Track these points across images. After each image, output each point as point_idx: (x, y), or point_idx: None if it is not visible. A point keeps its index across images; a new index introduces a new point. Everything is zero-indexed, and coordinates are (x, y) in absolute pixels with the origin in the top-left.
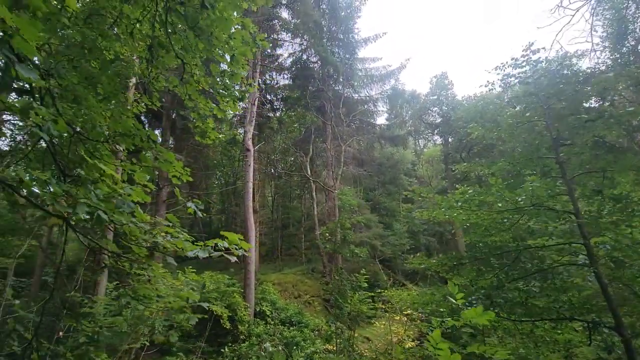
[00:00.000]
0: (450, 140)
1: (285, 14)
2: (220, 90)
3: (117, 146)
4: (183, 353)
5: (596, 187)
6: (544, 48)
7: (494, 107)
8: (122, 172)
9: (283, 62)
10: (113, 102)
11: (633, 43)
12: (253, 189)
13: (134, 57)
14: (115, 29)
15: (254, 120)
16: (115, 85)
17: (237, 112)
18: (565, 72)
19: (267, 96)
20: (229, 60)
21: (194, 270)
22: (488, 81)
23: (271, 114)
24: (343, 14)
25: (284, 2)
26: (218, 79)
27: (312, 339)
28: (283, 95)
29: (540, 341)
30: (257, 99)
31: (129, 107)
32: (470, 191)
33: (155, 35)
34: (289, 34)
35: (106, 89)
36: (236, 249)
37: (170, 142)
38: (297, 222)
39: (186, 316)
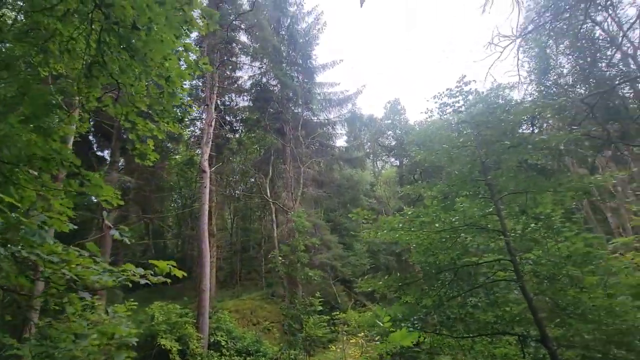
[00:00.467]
0: (404, 162)
1: (244, 37)
2: (159, 111)
3: (32, 171)
4: None
5: (522, 207)
6: (474, 80)
7: (442, 132)
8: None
9: (243, 84)
10: (32, 124)
11: (555, 77)
12: (210, 211)
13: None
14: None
15: (210, 142)
16: (39, 105)
17: (194, 133)
18: (499, 101)
19: (227, 117)
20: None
21: (149, 299)
22: (427, 108)
23: (230, 135)
24: (301, 40)
25: (242, 27)
26: (157, 100)
27: None
28: (243, 116)
29: (480, 356)
30: (213, 119)
31: (72, 127)
32: (409, 213)
33: (91, 54)
34: (249, 57)
35: (29, 109)
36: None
37: (121, 162)
38: (257, 244)
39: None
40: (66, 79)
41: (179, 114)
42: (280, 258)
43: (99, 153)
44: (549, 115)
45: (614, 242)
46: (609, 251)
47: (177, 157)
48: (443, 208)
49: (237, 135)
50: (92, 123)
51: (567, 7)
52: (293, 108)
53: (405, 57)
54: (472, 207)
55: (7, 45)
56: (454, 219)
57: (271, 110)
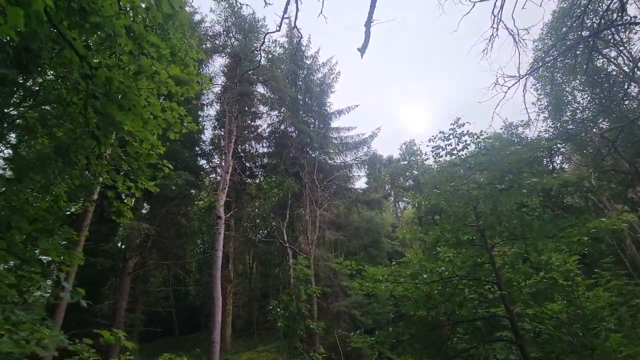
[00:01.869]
0: (423, 203)
1: (263, 89)
2: (135, 170)
3: None
4: None
5: (524, 254)
6: (468, 122)
7: (443, 175)
8: None
9: (262, 132)
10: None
11: (570, 113)
12: (229, 257)
13: None
14: None
15: (226, 188)
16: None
17: (215, 180)
18: (496, 143)
19: (246, 164)
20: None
21: (166, 349)
22: (422, 151)
23: (249, 181)
24: (317, 89)
25: (260, 80)
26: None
27: None
28: (261, 162)
29: None
30: (230, 166)
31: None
32: (394, 264)
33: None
34: (267, 107)
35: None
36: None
37: (145, 209)
38: (276, 290)
39: None
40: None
41: (156, 172)
42: (278, 310)
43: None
44: (568, 151)
45: None
46: None
47: (199, 203)
48: (427, 259)
49: (256, 181)
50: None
51: (571, 44)
52: (310, 152)
53: (419, 98)
54: (456, 257)
55: None
56: (440, 270)
57: (289, 155)
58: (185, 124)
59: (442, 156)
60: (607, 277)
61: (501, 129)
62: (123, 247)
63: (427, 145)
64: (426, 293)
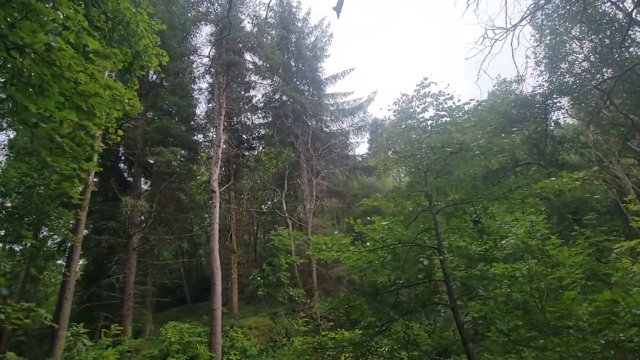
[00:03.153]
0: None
1: (253, 57)
2: (72, 150)
3: None
4: None
5: (472, 218)
6: (435, 82)
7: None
8: None
9: (257, 102)
10: None
11: (567, 65)
12: (229, 229)
13: None
14: None
15: (219, 162)
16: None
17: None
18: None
19: (243, 136)
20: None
21: (180, 317)
22: (385, 116)
23: (248, 153)
24: (310, 54)
25: (248, 47)
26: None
27: None
28: (258, 134)
29: None
30: (221, 140)
31: None
32: (335, 233)
33: None
34: (259, 77)
35: None
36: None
37: (147, 185)
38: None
39: None
40: None
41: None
42: (259, 279)
43: (129, 179)
44: (566, 106)
45: (618, 246)
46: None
47: (200, 178)
48: (365, 227)
49: (254, 153)
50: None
51: None
52: (307, 120)
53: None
54: (395, 224)
55: None
56: (377, 237)
57: (284, 125)
58: (124, 101)
59: (403, 120)
60: (586, 235)
61: (494, 85)
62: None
63: (389, 109)
64: (368, 260)
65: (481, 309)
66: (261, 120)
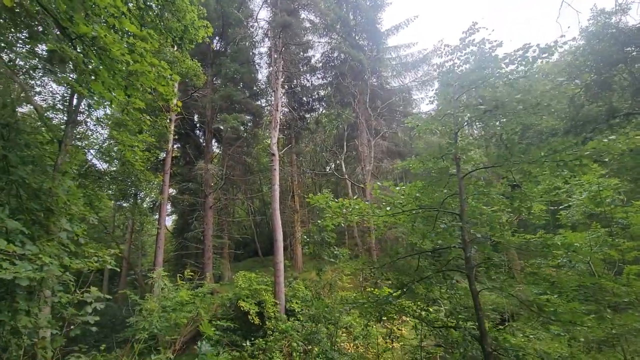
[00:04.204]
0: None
1: (310, 14)
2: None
3: None
4: (214, 342)
5: (509, 183)
6: (485, 28)
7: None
8: None
9: (316, 62)
10: None
11: None
12: (293, 190)
13: None
14: None
15: (277, 126)
16: None
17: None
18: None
19: (304, 98)
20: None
21: (253, 267)
22: (437, 65)
23: (308, 115)
24: (369, 4)
25: (303, 3)
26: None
27: (338, 335)
28: (318, 95)
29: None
30: (279, 104)
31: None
32: (354, 198)
33: None
34: (315, 35)
35: None
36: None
37: (219, 150)
38: None
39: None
40: None
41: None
42: (305, 237)
43: (204, 145)
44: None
45: None
46: None
47: (265, 141)
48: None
49: (314, 115)
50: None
51: None
52: (366, 78)
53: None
54: (413, 189)
55: None
56: (397, 202)
57: (342, 85)
58: (169, 77)
59: (443, 75)
60: None
61: (589, 20)
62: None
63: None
64: (387, 224)
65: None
66: (320, 81)
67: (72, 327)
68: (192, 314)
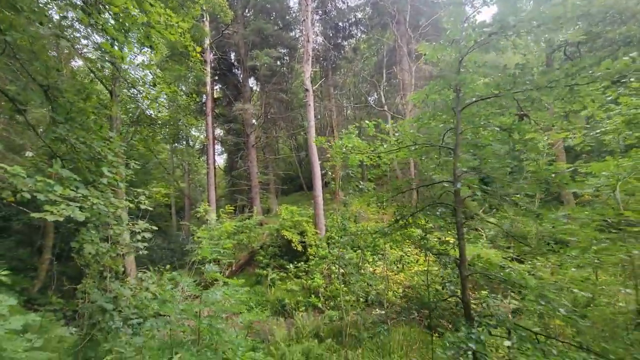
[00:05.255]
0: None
1: None
2: None
3: None
4: (263, 265)
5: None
6: None
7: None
8: None
9: None
10: None
11: None
12: (332, 125)
13: None
14: None
15: (310, 59)
16: None
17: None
18: None
19: (339, 23)
20: None
21: (299, 201)
22: None
23: (346, 42)
24: None
25: None
26: None
27: (374, 262)
28: (355, 18)
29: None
30: (309, 34)
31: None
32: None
33: None
34: None
35: None
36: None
37: (256, 87)
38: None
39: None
40: None
41: None
42: (330, 173)
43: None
44: None
45: None
46: None
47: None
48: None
49: (352, 42)
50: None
51: None
52: None
53: None
54: (405, 126)
55: None
56: (393, 139)
57: (381, 2)
58: (176, 24)
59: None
60: None
61: None
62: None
63: None
64: (396, 159)
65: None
66: (357, 1)
67: (129, 252)
68: (243, 242)
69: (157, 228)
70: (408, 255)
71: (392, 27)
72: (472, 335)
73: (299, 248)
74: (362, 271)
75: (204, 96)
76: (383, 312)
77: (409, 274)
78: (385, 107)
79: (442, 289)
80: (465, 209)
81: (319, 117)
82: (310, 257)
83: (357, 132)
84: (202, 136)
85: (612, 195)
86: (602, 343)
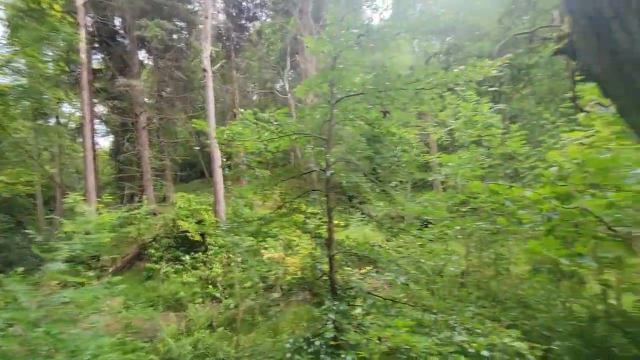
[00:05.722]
0: None
1: None
2: None
3: None
4: (156, 259)
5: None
6: None
7: None
8: None
9: None
10: None
11: None
12: (232, 110)
13: None
14: None
15: (209, 36)
16: None
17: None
18: None
19: (243, 3)
20: None
21: (200, 188)
22: None
23: (250, 24)
24: None
25: None
26: None
27: (276, 247)
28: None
29: None
30: (209, 11)
31: None
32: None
33: None
34: None
35: None
36: None
37: (149, 62)
38: None
39: None
40: None
41: None
42: (224, 160)
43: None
44: None
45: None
46: None
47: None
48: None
49: (257, 24)
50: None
51: None
52: None
53: None
54: (280, 116)
55: None
56: (272, 128)
57: None
58: None
59: None
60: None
61: None
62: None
63: None
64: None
65: None
66: None
67: None
68: (131, 234)
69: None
70: (302, 239)
71: (296, 15)
72: (334, 307)
73: (197, 238)
74: (259, 257)
75: (79, 66)
76: (278, 295)
77: (301, 257)
78: (289, 95)
79: (314, 269)
80: (359, 194)
81: (223, 100)
82: (210, 246)
83: (253, 117)
84: (77, 114)
85: (456, 182)
86: (440, 302)
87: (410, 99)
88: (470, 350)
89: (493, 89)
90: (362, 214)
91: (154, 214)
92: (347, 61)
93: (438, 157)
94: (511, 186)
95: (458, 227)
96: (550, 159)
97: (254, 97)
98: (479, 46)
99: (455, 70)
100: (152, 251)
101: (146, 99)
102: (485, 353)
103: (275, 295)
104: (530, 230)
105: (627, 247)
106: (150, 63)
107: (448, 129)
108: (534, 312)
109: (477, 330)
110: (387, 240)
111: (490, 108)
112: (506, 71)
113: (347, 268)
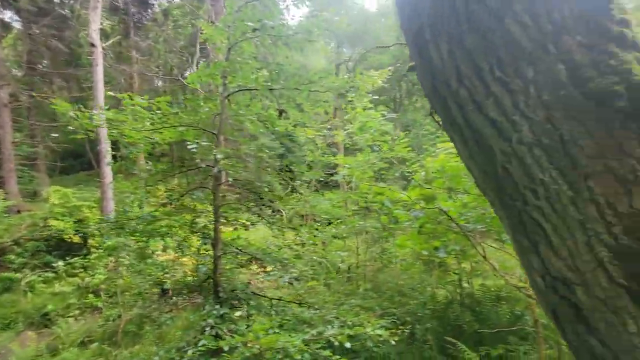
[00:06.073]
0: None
1: None
2: None
3: None
4: (16, 266)
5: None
6: None
7: None
8: None
9: None
10: None
11: None
12: (130, 95)
13: None
14: None
15: (99, 7)
16: None
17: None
18: None
19: None
20: None
21: (87, 181)
22: None
23: (155, 2)
24: None
25: None
26: None
27: (172, 246)
28: None
29: None
30: None
31: None
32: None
33: None
34: None
35: None
36: None
37: (17, 25)
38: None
39: None
40: None
41: None
42: (109, 149)
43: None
44: None
45: None
46: None
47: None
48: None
49: (163, 2)
50: None
51: None
52: None
53: None
54: (165, 106)
55: None
56: (157, 118)
57: None
58: None
59: None
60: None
61: None
62: None
63: None
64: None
65: None
66: None
67: None
68: None
69: None
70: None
71: (208, 1)
72: (214, 312)
73: (76, 240)
74: (152, 259)
75: None
76: (172, 300)
77: (193, 258)
78: (199, 85)
79: (196, 271)
80: (270, 192)
81: (118, 82)
82: (93, 249)
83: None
84: None
85: (353, 182)
86: (331, 296)
87: (304, 100)
88: (336, 343)
89: (391, 99)
90: (273, 212)
91: (19, 212)
92: (244, 54)
93: (337, 159)
94: (390, 188)
95: (354, 225)
96: (427, 165)
97: (159, 83)
98: (379, 58)
99: (344, 77)
100: (13, 257)
101: (14, 71)
102: (347, 345)
103: (170, 300)
104: (409, 228)
105: (470, 240)
106: (19, 27)
107: (346, 132)
108: (408, 299)
109: (349, 323)
110: (296, 240)
111: (383, 116)
112: (403, 85)
113: (241, 269)
